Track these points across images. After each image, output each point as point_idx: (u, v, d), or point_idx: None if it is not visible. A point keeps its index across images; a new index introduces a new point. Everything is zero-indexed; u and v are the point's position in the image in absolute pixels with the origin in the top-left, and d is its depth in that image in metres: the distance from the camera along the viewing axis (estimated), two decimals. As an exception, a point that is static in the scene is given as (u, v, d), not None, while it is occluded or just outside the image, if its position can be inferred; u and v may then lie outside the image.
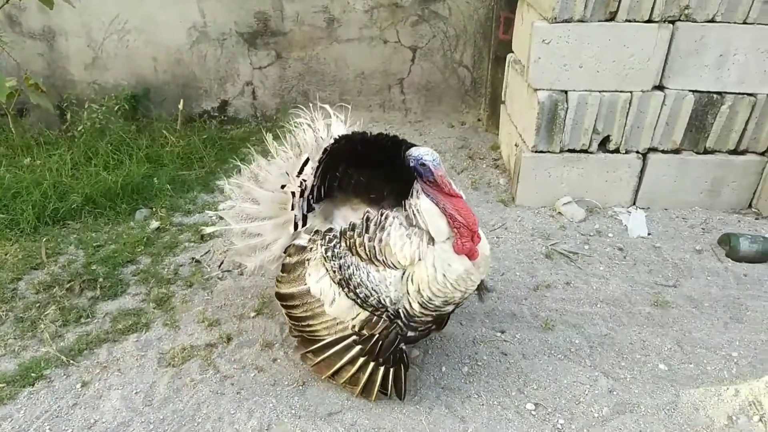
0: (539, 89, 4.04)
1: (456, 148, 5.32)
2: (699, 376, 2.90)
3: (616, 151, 4.24)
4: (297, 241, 2.63)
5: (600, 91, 4.02)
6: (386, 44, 5.51)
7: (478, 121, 5.82)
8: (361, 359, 2.54)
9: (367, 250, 2.37)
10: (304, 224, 2.61)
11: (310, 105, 2.80)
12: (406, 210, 2.37)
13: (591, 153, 4.24)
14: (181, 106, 5.26)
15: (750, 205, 4.39)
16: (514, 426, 2.62)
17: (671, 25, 3.85)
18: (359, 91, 5.71)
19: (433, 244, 2.32)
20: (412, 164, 2.31)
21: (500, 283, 3.51)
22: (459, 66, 5.66)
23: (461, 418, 2.66)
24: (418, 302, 2.36)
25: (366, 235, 2.37)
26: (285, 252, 2.69)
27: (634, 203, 4.40)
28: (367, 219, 2.41)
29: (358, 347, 2.52)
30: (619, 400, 2.75)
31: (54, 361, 2.91)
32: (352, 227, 2.44)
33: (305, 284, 2.55)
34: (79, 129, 4.94)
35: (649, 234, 4.08)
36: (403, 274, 2.35)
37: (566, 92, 4.03)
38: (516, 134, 4.59)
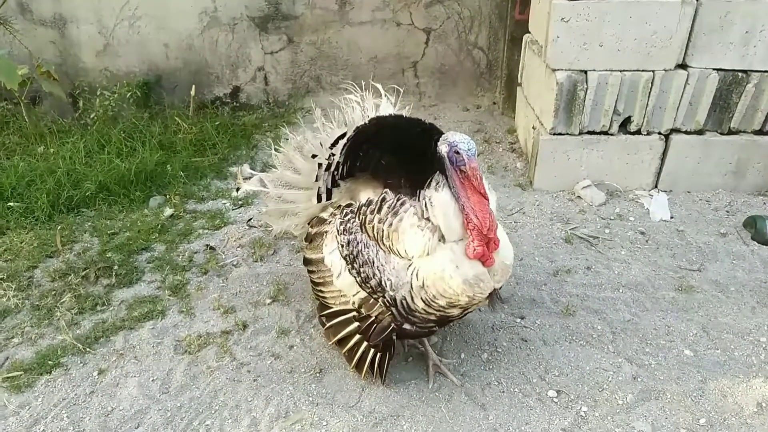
0: (558, 69, 3.93)
1: (472, 131, 5.22)
2: (726, 362, 2.83)
3: (638, 132, 4.13)
4: (321, 214, 2.69)
5: (621, 71, 3.90)
6: (399, 27, 5.41)
7: (494, 104, 5.71)
8: (357, 336, 2.54)
9: (375, 230, 2.31)
10: (328, 198, 2.64)
11: (363, 83, 2.84)
12: (420, 201, 2.25)
13: (611, 135, 4.13)
14: (193, 93, 5.21)
15: (776, 187, 4.27)
16: (536, 413, 2.57)
17: (695, 1, 3.72)
18: (372, 75, 5.60)
19: (444, 242, 2.21)
20: (444, 150, 2.17)
21: (519, 269, 3.44)
22: (474, 48, 5.55)
23: (481, 405, 2.61)
24: (422, 298, 2.24)
25: (377, 215, 2.31)
26: (309, 223, 2.76)
27: (656, 186, 4.29)
28: (383, 200, 2.32)
29: (356, 323, 2.53)
30: (644, 387, 2.68)
31: (71, 349, 2.90)
32: (368, 203, 2.38)
33: (321, 253, 2.61)
34: (91, 117, 4.92)
35: (671, 217, 3.98)
36: (409, 265, 2.26)
37: (586, 72, 3.92)
38: (533, 117, 4.49)
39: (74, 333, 3.00)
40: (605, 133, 4.13)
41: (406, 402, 2.62)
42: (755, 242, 3.68)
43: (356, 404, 2.62)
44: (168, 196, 4.15)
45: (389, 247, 2.28)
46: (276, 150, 2.95)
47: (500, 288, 2.41)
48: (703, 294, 3.25)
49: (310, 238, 2.73)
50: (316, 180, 2.64)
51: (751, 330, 3.01)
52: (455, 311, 2.31)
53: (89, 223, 3.89)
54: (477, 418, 2.56)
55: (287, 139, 2.95)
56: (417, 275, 2.23)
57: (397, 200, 2.29)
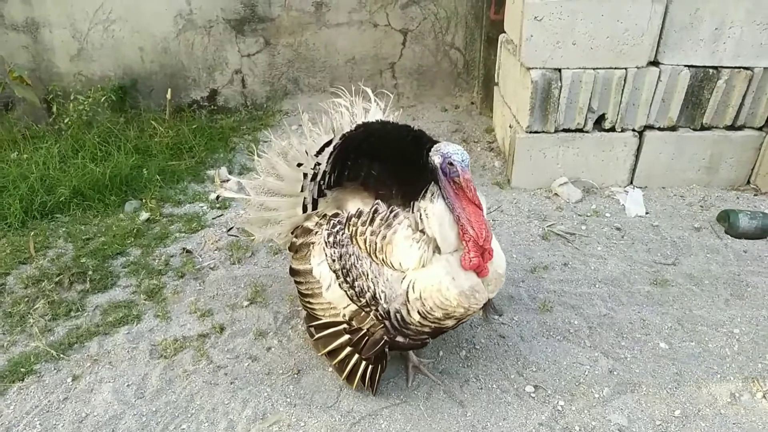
0: (532, 68, 3.97)
1: (450, 132, 5.25)
2: (701, 354, 2.86)
3: (612, 129, 4.17)
4: (305, 223, 2.62)
5: (594, 69, 3.94)
6: (376, 28, 5.42)
7: (472, 104, 5.74)
8: (348, 348, 2.49)
9: (367, 243, 2.25)
10: (314, 208, 2.58)
11: (353, 88, 2.76)
12: (414, 212, 2.20)
13: (586, 132, 4.18)
14: (169, 96, 5.17)
15: (748, 181, 4.34)
16: (514, 409, 2.58)
17: (665, -1, 3.78)
18: (350, 76, 5.62)
19: (440, 254, 2.17)
20: (438, 161, 2.12)
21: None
22: (451, 48, 5.58)
23: (460, 402, 2.61)
24: (418, 311, 2.20)
25: (369, 228, 2.24)
26: (293, 232, 2.69)
27: (632, 182, 4.35)
28: (375, 211, 2.26)
29: (347, 336, 2.47)
30: (620, 380, 2.71)
31: (44, 356, 2.85)
32: (359, 214, 2.32)
33: (309, 264, 2.55)
34: (66, 122, 4.85)
35: (646, 213, 4.02)
36: (403, 278, 2.21)
37: (560, 70, 3.96)
38: (510, 115, 4.52)
39: (48, 339, 2.95)
40: (580, 130, 4.17)
41: (384, 401, 2.61)
42: (728, 236, 3.74)
43: (334, 404, 2.61)
44: (144, 201, 4.10)
45: (382, 259, 2.23)
46: (258, 156, 2.82)
47: (493, 297, 2.37)
48: (677, 287, 3.29)
49: (295, 249, 2.65)
50: (302, 190, 2.57)
51: (725, 322, 3.05)
52: (450, 322, 2.28)
53: (63, 229, 3.84)
54: (455, 415, 2.56)
55: (270, 145, 2.84)
56: (413, 288, 2.18)
57: (390, 212, 2.23)
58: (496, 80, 5.02)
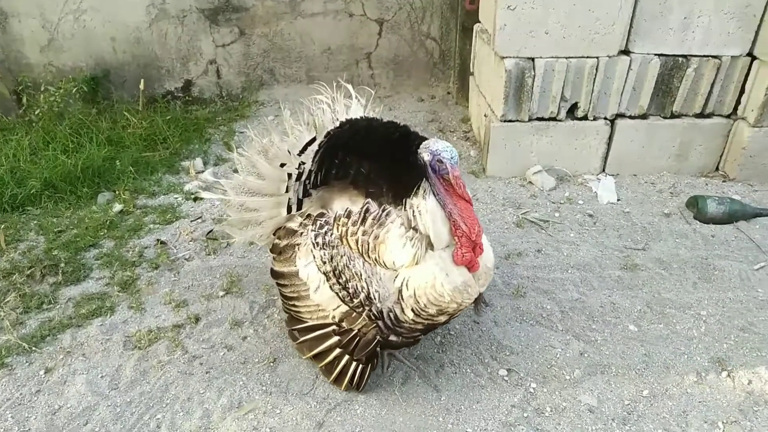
0: (506, 57, 4.00)
1: (426, 121, 5.27)
2: (669, 335, 2.93)
3: (585, 118, 4.23)
4: (288, 224, 2.54)
5: (567, 57, 3.99)
6: (352, 18, 5.41)
7: (448, 93, 5.77)
8: (338, 350, 2.46)
9: (359, 243, 2.23)
10: (299, 209, 2.52)
11: (335, 84, 2.67)
12: (406, 210, 2.19)
13: (560, 121, 4.23)
14: (142, 87, 5.11)
15: (717, 168, 4.43)
16: (487, 392, 2.62)
17: (636, -12, 3.83)
18: (326, 67, 5.61)
19: (432, 250, 2.17)
20: (427, 158, 2.11)
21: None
22: (426, 38, 5.59)
23: (435, 387, 2.65)
24: (412, 309, 2.19)
25: (361, 228, 2.22)
26: (275, 234, 2.62)
27: (604, 170, 4.41)
28: (367, 210, 2.23)
29: (336, 337, 2.44)
30: (590, 362, 2.77)
31: (15, 349, 2.82)
32: (348, 214, 2.29)
33: (295, 266, 2.49)
34: (36, 113, 4.77)
35: (618, 200, 4.09)
36: (396, 276, 2.20)
37: (533, 59, 3.99)
38: (485, 105, 4.55)
39: (19, 332, 2.92)
40: (554, 119, 4.21)
41: (360, 387, 2.63)
42: (697, 221, 3.82)
43: (310, 391, 2.62)
44: (117, 192, 4.06)
45: (375, 259, 2.22)
46: (238, 154, 2.69)
47: (483, 291, 2.38)
48: (647, 272, 3.36)
49: (279, 250, 2.58)
50: (287, 191, 2.51)
51: (692, 304, 3.12)
52: (443, 318, 2.28)
53: (35, 222, 3.78)
54: (430, 399, 2.59)
55: (250, 142, 2.71)
56: (407, 285, 2.18)
57: (383, 211, 2.21)
58: (471, 70, 5.05)
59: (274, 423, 2.47)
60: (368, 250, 2.22)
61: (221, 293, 3.18)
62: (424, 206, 2.14)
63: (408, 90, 5.78)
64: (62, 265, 3.34)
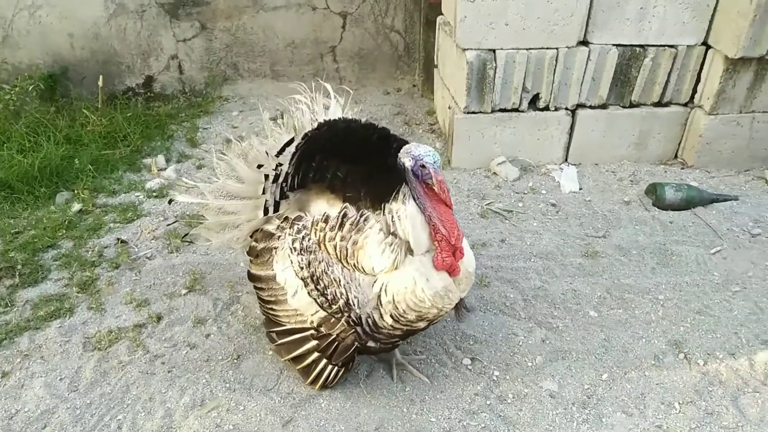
0: (467, 49, 4.02)
1: (392, 114, 5.26)
2: (628, 320, 3.00)
3: (546, 108, 4.28)
4: (266, 227, 2.49)
5: (527, 49, 4.02)
6: (315, 11, 5.36)
7: (414, 86, 5.77)
8: (316, 354, 2.44)
9: (337, 248, 2.20)
10: (276, 211, 2.46)
11: (314, 84, 2.61)
12: (385, 214, 2.14)
13: (522, 112, 4.27)
14: (101, 83, 4.99)
15: (676, 156, 4.53)
16: (451, 381, 2.65)
17: (592, -21, 3.88)
18: (291, 61, 5.56)
19: (412, 255, 2.14)
20: (408, 164, 2.07)
21: (436, 245, 3.51)
22: (391, 31, 5.58)
23: (399, 378, 2.66)
24: (391, 314, 2.17)
25: (339, 233, 2.19)
26: (252, 236, 2.57)
27: (566, 160, 4.47)
28: (344, 215, 2.20)
29: (314, 342, 2.42)
30: (552, 348, 2.81)
31: (-30, 354, 2.75)
32: (325, 219, 2.25)
33: (272, 270, 2.46)
34: (-10, 112, 4.63)
35: (580, 189, 4.16)
36: (374, 282, 2.18)
37: (494, 51, 4.02)
38: (449, 97, 4.57)
39: (-26, 337, 2.85)
40: (516, 110, 4.25)
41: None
42: (656, 208, 3.90)
43: (275, 387, 2.62)
44: (76, 191, 3.97)
45: (353, 265, 2.19)
46: (218, 158, 2.60)
47: (464, 296, 2.36)
48: (607, 258, 3.42)
49: (256, 253, 2.53)
50: (264, 193, 2.46)
51: (651, 289, 3.19)
52: (422, 324, 2.26)
53: (-10, 223, 3.69)
54: (394, 390, 2.61)
55: (230, 145, 2.63)
56: (386, 291, 2.15)
57: (360, 216, 2.18)
58: (435, 62, 5.06)
59: (238, 420, 2.46)
60: (347, 255, 2.18)
61: (184, 291, 3.15)
62: (404, 211, 2.10)
63: (374, 83, 5.77)
64: (19, 266, 3.26)
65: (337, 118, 2.43)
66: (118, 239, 3.53)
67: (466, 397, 2.58)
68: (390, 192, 2.14)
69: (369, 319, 2.22)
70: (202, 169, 4.33)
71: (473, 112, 4.23)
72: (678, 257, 3.43)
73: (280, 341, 2.54)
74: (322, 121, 2.37)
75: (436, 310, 2.19)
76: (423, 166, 2.05)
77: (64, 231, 3.59)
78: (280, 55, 5.53)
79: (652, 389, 2.62)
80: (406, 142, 2.18)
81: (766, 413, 2.50)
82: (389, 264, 2.13)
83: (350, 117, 2.47)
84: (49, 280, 3.23)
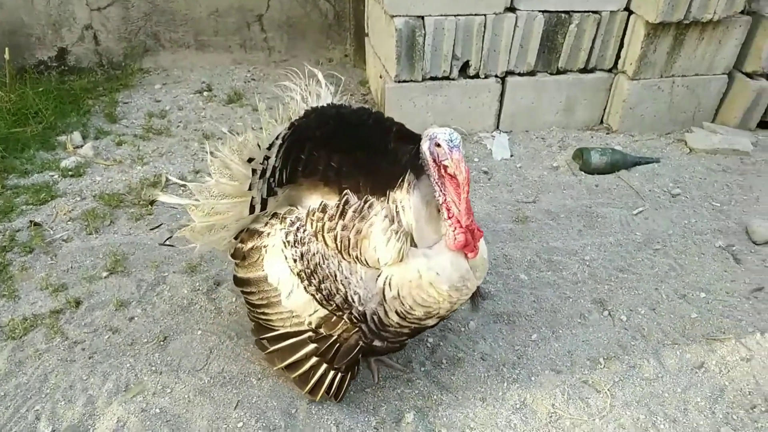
0: (396, 16, 3.95)
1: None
2: (556, 281, 3.07)
3: (476, 76, 4.28)
4: (253, 225, 2.31)
5: (455, 15, 3.99)
6: (238, -23, 5.14)
7: (346, 56, 5.66)
8: (314, 359, 2.25)
9: (338, 239, 2.01)
10: (263, 209, 2.26)
11: (306, 71, 2.41)
12: (389, 204, 1.98)
13: (453, 80, 4.25)
14: (7, 56, 4.62)
15: (602, 121, 4.65)
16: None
17: (517, -55, 3.87)
18: (215, 30, 5.32)
19: (416, 248, 2.00)
20: (425, 146, 1.92)
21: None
22: (320, -1, 5.42)
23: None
24: (396, 311, 2.02)
25: (340, 222, 2.00)
26: (236, 238, 2.38)
27: (498, 127, 4.51)
28: (346, 202, 2.01)
29: (312, 345, 2.23)
30: (485, 313, 2.86)
31: None
32: (323, 208, 2.07)
33: (263, 270, 2.27)
34: None
35: (511, 155, 4.21)
36: (378, 275, 2.01)
37: (423, 18, 3.97)
38: (380, 66, 4.50)
39: None
40: (447, 78, 4.24)
41: (256, 358, 2.57)
42: (583, 172, 4.00)
43: (204, 367, 2.54)
44: (-18, 173, 3.70)
45: (356, 256, 2.01)
46: (212, 155, 2.28)
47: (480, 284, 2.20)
48: (536, 223, 3.49)
49: (243, 255, 2.34)
50: (250, 188, 2.20)
51: (578, 251, 3.28)
52: (432, 321, 2.12)
53: None
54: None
55: (224, 141, 2.33)
56: (390, 285, 1.99)
57: (365, 202, 2.00)
58: (366, 31, 4.97)
59: (165, 403, 2.37)
60: (348, 246, 2.01)
61: (105, 274, 2.99)
62: (408, 202, 1.95)
63: (305, 53, 5.61)
64: None
65: (325, 105, 2.27)
66: (31, 222, 3.31)
67: (402, 364, 2.58)
68: (392, 179, 1.98)
69: (375, 316, 2.05)
70: (123, 146, 4.11)
71: (404, 81, 4.19)
72: (603, 219, 3.54)
73: (272, 348, 2.33)
74: (309, 108, 2.20)
75: (449, 305, 2.04)
76: (438, 144, 1.89)
77: (-30, 215, 3.34)
78: (204, 24, 5.28)
79: (578, 346, 2.70)
80: (403, 125, 2.05)
81: (684, 363, 2.63)
82: (395, 254, 1.96)
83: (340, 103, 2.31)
84: (-46, 268, 3.01)
